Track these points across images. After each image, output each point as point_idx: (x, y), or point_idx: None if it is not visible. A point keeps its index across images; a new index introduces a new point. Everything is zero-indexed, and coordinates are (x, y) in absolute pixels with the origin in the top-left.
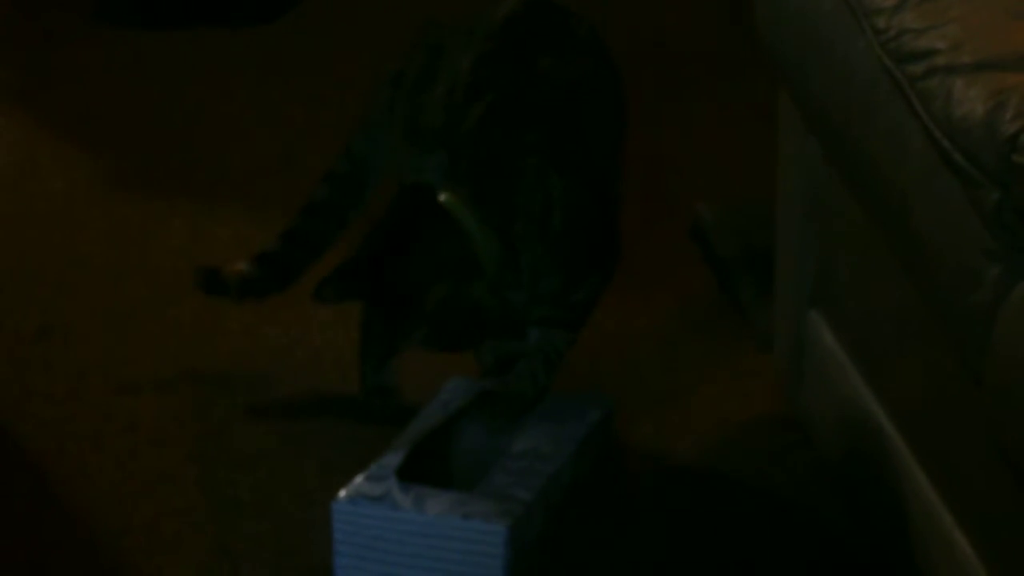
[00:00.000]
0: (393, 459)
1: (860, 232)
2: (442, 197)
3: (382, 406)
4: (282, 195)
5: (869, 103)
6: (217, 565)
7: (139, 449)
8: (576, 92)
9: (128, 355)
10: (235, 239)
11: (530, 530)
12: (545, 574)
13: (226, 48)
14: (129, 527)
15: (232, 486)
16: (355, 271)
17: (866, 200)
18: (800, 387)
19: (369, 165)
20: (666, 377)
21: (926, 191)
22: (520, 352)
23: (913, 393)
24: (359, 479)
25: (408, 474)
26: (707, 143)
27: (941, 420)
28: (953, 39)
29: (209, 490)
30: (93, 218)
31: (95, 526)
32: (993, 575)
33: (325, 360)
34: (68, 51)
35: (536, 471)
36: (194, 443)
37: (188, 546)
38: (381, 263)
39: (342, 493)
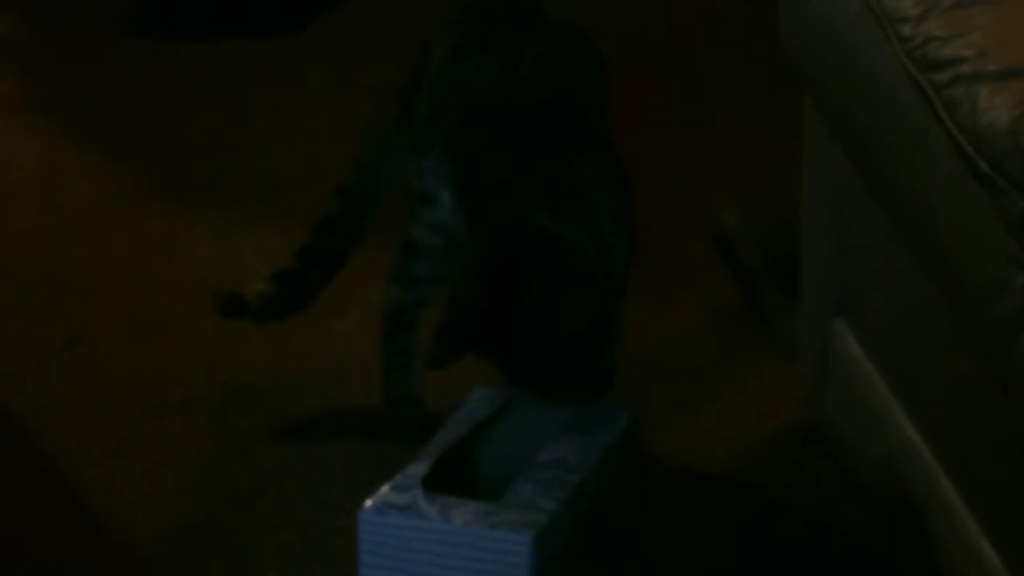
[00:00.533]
0: (419, 469)
1: (885, 240)
2: (540, 220)
3: (406, 416)
4: (306, 205)
5: (894, 111)
6: (243, 575)
7: (165, 460)
8: (561, 75)
9: (154, 366)
10: (259, 249)
11: (556, 540)
12: None
13: (250, 59)
14: (155, 538)
15: (258, 496)
16: (462, 329)
17: (891, 208)
18: (826, 396)
19: (380, 177)
20: (691, 386)
21: (951, 199)
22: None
23: (939, 402)
24: (385, 488)
25: (434, 484)
26: (732, 150)
27: (967, 429)
28: (978, 47)
29: (235, 500)
30: (118, 229)
31: (121, 537)
32: None
33: (349, 371)
34: (93, 62)
35: (562, 481)
36: (219, 453)
37: (214, 557)
38: (488, 313)
39: (368, 502)
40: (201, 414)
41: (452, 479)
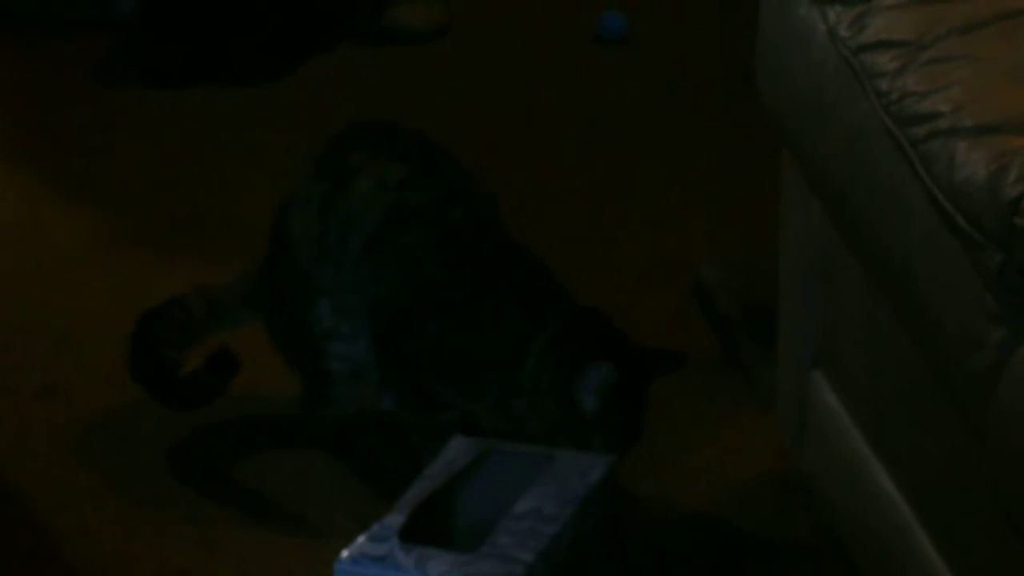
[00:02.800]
0: (396, 519)
1: (863, 293)
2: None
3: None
4: None
5: (871, 165)
6: None
7: (141, 507)
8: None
9: (130, 413)
10: None
11: None
12: None
13: (229, 106)
14: None
15: (233, 544)
16: None
17: (868, 262)
18: (803, 447)
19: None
20: (668, 436)
21: (928, 253)
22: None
23: (916, 455)
24: (361, 539)
25: (411, 535)
26: (710, 202)
27: (944, 481)
28: (956, 102)
29: (210, 549)
30: (95, 276)
31: None
32: None
33: None
34: (72, 110)
35: (538, 532)
36: (195, 502)
37: None
38: None
39: (344, 553)
40: (179, 461)
41: (429, 529)
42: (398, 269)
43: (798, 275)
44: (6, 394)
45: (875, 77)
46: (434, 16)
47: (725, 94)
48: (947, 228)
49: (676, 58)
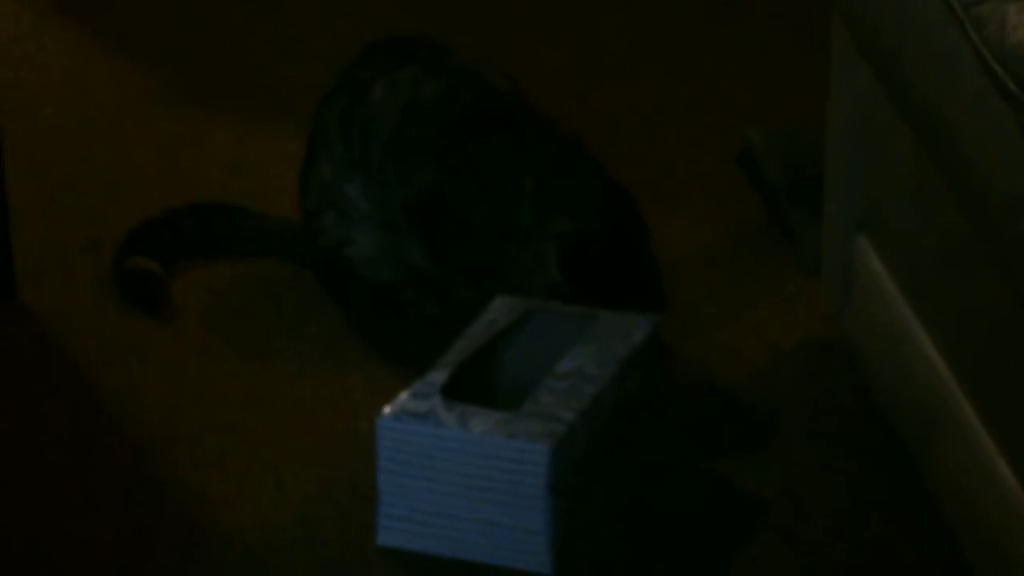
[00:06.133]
0: (438, 377)
1: (909, 158)
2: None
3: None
4: None
5: (921, 28)
6: (260, 479)
7: (185, 362)
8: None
9: (175, 268)
10: (279, 154)
11: (574, 450)
12: (587, 494)
13: None
14: (174, 439)
15: (277, 400)
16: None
17: (916, 126)
18: (846, 312)
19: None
20: (713, 301)
21: (977, 117)
22: None
23: (959, 319)
24: (404, 396)
25: (453, 392)
26: (757, 67)
27: (986, 348)
28: None
29: (254, 404)
30: (142, 132)
31: (140, 437)
32: None
33: None
34: None
35: (580, 391)
36: (239, 358)
37: (232, 460)
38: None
39: (387, 409)
40: (222, 318)
41: (471, 387)
42: (418, 161)
43: (845, 141)
44: (53, 248)
45: None
46: None
47: None
48: (996, 91)
49: None
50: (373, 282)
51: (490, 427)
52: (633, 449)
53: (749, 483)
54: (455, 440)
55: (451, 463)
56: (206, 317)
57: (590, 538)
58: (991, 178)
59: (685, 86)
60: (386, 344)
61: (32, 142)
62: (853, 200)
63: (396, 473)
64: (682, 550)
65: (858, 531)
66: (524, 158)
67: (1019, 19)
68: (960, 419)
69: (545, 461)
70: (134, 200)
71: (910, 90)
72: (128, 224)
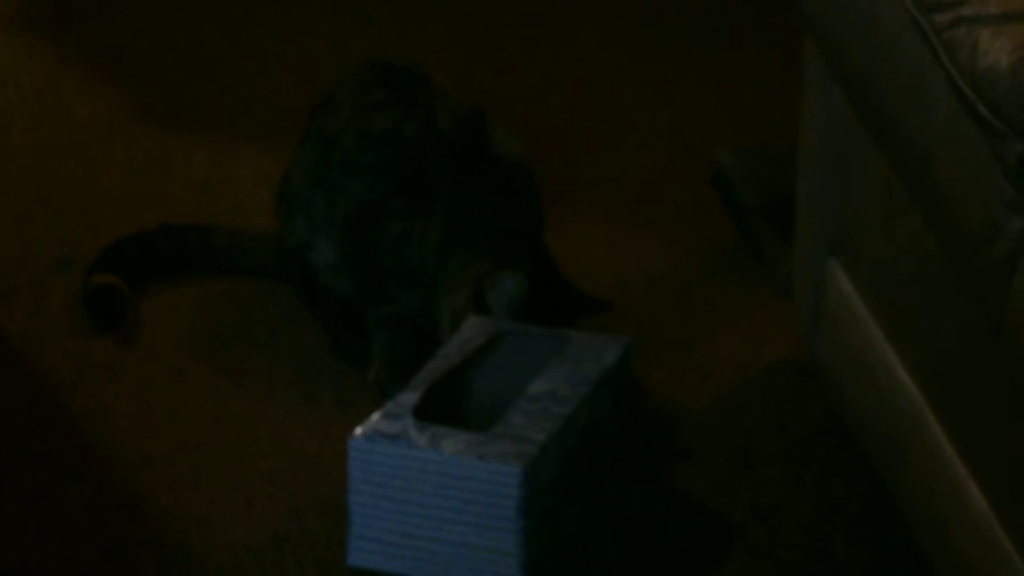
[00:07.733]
0: (410, 398)
1: (882, 181)
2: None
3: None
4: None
5: (894, 52)
6: (232, 499)
7: (157, 382)
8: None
9: (147, 287)
10: (256, 172)
11: (545, 472)
12: (559, 515)
13: None
14: (146, 460)
15: (248, 420)
16: None
17: (888, 149)
18: (818, 335)
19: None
20: (684, 322)
21: (949, 141)
22: None
23: (930, 343)
24: (376, 417)
25: (425, 413)
26: (730, 89)
27: (958, 371)
28: None
29: (225, 424)
30: (115, 150)
31: (113, 458)
32: (1006, 526)
33: None
34: None
35: (552, 413)
36: (211, 378)
37: (204, 480)
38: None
39: (358, 430)
40: (194, 337)
41: (443, 409)
42: (359, 185)
43: (817, 163)
44: (24, 266)
45: None
46: None
47: None
48: (968, 116)
49: None
50: (333, 292)
51: (462, 448)
52: (605, 470)
53: (722, 504)
54: (427, 461)
55: (423, 484)
56: (178, 337)
57: (562, 559)
58: (963, 202)
59: (659, 108)
60: (357, 362)
61: (4, 160)
62: (825, 222)
63: (367, 494)
64: (655, 571)
65: (830, 552)
66: (432, 203)
67: (991, 43)
68: (931, 443)
69: (517, 483)
70: (107, 219)
71: (882, 113)
72: (101, 243)
